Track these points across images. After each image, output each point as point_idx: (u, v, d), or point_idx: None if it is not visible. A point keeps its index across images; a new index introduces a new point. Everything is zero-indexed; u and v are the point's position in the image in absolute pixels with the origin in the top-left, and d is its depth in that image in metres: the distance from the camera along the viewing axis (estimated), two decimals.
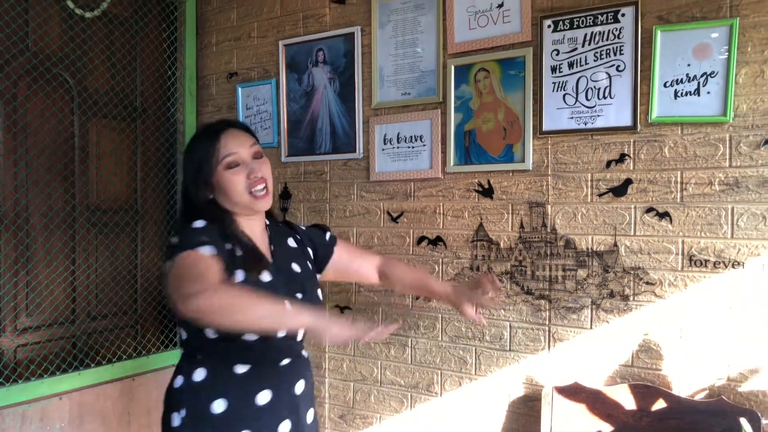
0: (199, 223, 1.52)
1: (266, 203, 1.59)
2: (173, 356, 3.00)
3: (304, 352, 1.67)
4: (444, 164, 2.43)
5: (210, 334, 1.51)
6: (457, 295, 1.72)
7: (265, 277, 1.54)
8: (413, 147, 2.50)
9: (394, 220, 2.57)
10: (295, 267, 1.65)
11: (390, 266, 1.85)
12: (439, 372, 2.47)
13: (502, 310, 2.31)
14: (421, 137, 2.48)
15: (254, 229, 1.63)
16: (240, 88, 3.00)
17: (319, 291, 1.70)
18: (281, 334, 1.52)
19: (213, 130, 1.59)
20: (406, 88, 2.52)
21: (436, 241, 2.47)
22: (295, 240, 1.74)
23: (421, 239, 2.51)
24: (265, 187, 1.57)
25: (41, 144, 2.56)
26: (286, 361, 1.58)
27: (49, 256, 2.59)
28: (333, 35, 2.70)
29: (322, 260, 1.79)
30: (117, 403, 2.69)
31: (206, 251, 1.41)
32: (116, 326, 2.85)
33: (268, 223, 1.70)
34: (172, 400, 1.55)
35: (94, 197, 2.78)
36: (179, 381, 1.55)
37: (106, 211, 2.82)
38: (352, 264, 1.85)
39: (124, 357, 2.79)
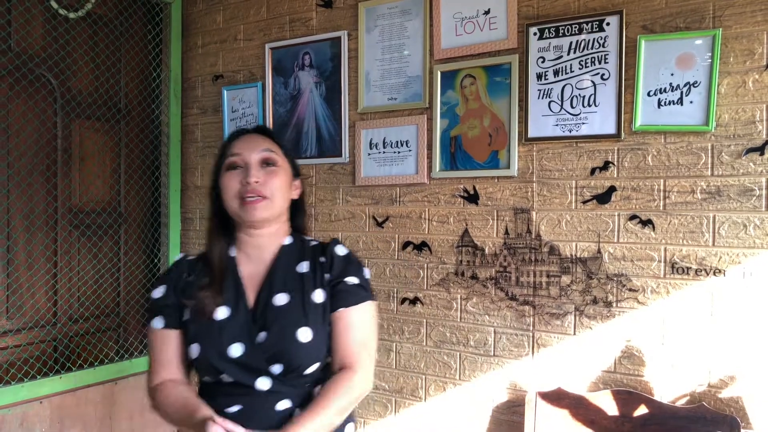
0: (178, 257, 1.57)
1: (254, 213, 1.42)
2: None
3: (284, 405, 1.37)
4: (430, 170, 2.44)
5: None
6: None
7: (221, 314, 1.41)
8: (399, 152, 2.50)
9: (380, 224, 2.57)
10: (280, 299, 1.42)
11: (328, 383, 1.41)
12: (424, 377, 2.48)
13: (487, 316, 2.32)
14: (407, 142, 2.48)
15: (253, 249, 1.49)
16: (225, 91, 2.98)
17: (302, 330, 1.38)
18: (228, 379, 1.38)
19: (235, 132, 1.55)
20: (392, 93, 2.53)
21: (422, 246, 2.47)
22: (312, 264, 1.49)
23: (406, 244, 2.51)
24: (260, 197, 1.42)
25: (23, 145, 2.54)
26: (234, 409, 1.38)
27: (31, 259, 2.56)
28: (319, 39, 2.70)
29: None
30: (99, 407, 2.67)
31: (156, 324, 1.46)
32: (98, 329, 2.82)
33: (288, 242, 1.52)
34: None
35: (76, 199, 2.76)
36: None
37: (89, 213, 2.80)
38: (331, 342, 1.45)
39: (107, 360, 2.77)
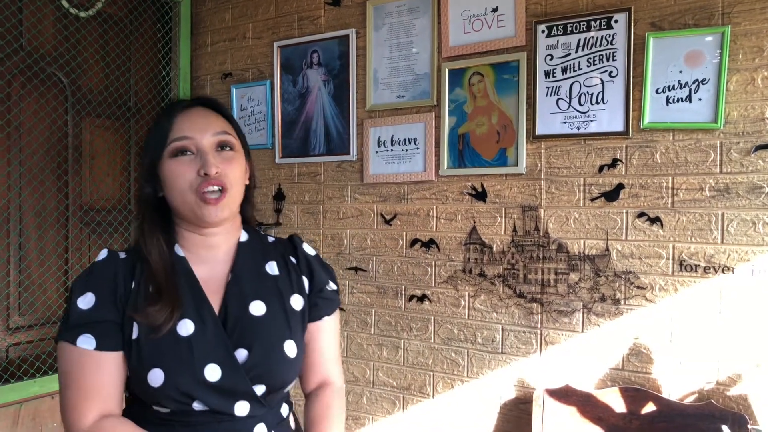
0: (101, 256, 1.22)
1: (216, 212, 1.18)
2: None
3: (260, 430, 1.18)
4: (437, 167, 2.44)
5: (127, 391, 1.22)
6: None
7: (185, 329, 1.15)
8: (407, 150, 2.51)
9: (388, 222, 2.58)
10: (255, 308, 1.21)
11: (312, 400, 1.32)
12: (432, 374, 2.49)
13: (494, 313, 2.33)
14: (414, 140, 2.49)
15: (206, 249, 1.25)
16: (234, 89, 3.00)
17: (288, 344, 1.20)
18: (200, 407, 1.13)
19: (172, 108, 1.25)
20: (400, 90, 2.53)
21: (429, 243, 2.48)
22: (283, 264, 1.31)
23: (414, 241, 2.52)
24: (222, 190, 1.18)
25: (35, 143, 2.56)
26: None
27: (42, 256, 2.58)
28: (328, 37, 2.71)
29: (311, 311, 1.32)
30: None
31: (85, 344, 1.12)
32: None
33: (244, 239, 1.30)
34: None
35: (87, 197, 2.78)
36: None
37: (99, 211, 2.82)
38: (308, 354, 1.32)
39: None
